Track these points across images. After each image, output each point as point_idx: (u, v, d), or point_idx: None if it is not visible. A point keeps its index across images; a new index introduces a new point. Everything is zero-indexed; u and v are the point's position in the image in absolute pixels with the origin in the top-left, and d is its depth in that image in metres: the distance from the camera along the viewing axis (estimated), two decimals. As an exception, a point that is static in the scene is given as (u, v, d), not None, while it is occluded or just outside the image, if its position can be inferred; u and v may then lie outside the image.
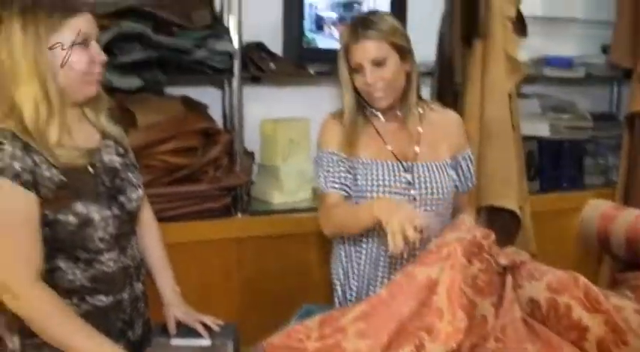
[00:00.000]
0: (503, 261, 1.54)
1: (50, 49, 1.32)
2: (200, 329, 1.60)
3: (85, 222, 1.38)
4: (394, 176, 1.74)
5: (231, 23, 2.46)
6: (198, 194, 2.37)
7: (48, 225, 1.35)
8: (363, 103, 1.78)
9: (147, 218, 1.67)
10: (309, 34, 2.62)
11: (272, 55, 2.61)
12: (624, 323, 1.39)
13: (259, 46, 2.59)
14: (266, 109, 2.73)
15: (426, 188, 1.75)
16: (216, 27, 2.46)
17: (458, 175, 1.85)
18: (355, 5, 2.66)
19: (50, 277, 1.38)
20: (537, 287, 1.54)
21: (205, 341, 1.58)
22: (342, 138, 1.75)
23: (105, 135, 1.51)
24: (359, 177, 1.74)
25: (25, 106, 1.32)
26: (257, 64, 2.53)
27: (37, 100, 1.32)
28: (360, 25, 1.70)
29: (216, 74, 2.44)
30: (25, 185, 1.30)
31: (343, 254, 1.83)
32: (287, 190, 2.64)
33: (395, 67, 1.70)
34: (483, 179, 2.68)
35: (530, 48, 3.06)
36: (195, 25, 2.41)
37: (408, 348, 1.33)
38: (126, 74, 2.21)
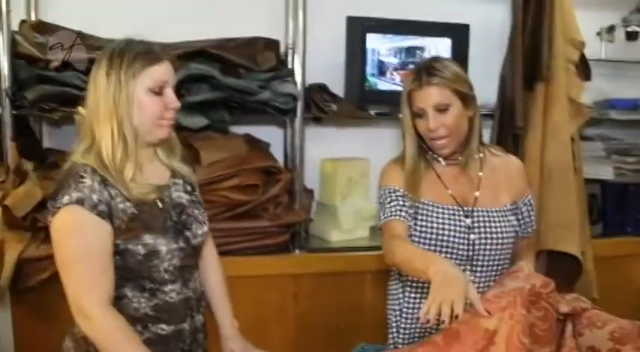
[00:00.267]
0: (564, 308, 1.52)
1: (128, 94, 1.43)
2: None
3: (152, 253, 1.47)
4: (454, 220, 1.74)
5: (296, 65, 2.54)
6: (258, 230, 2.44)
7: (118, 253, 1.44)
8: (424, 148, 1.80)
9: (210, 253, 1.74)
10: (371, 79, 2.68)
11: (334, 97, 2.68)
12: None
13: (322, 88, 2.67)
14: (326, 149, 2.80)
15: (485, 233, 1.74)
16: (281, 69, 2.56)
17: (518, 220, 1.84)
18: (417, 51, 2.70)
19: (117, 304, 1.46)
20: (599, 336, 1.51)
21: None
22: (404, 181, 1.77)
23: (174, 174, 1.60)
24: (420, 219, 1.75)
25: (102, 144, 1.44)
26: (319, 105, 2.60)
27: (114, 140, 1.43)
28: (423, 71, 1.72)
29: (279, 115, 2.52)
30: (101, 215, 1.40)
31: (399, 293, 1.84)
32: (345, 229, 2.68)
33: (457, 113, 1.72)
34: (544, 223, 2.64)
35: (595, 90, 3.04)
36: (260, 67, 2.52)
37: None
38: (192, 113, 2.32)
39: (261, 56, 2.54)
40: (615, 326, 1.49)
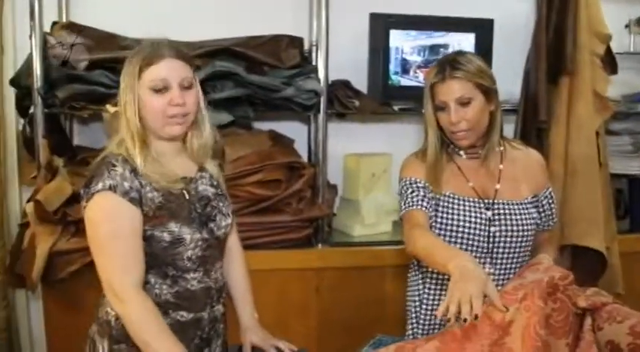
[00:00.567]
0: (583, 303, 1.51)
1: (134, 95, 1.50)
2: None
3: (177, 241, 1.52)
4: (475, 213, 1.75)
5: (319, 62, 2.57)
6: (281, 224, 2.48)
7: (145, 239, 1.50)
8: (446, 141, 1.81)
9: (234, 246, 1.79)
10: (394, 78, 2.68)
11: (356, 93, 2.70)
12: None
13: (344, 84, 2.69)
14: (350, 144, 2.82)
15: (506, 225, 1.75)
16: (305, 66, 2.59)
17: (539, 213, 1.84)
18: (441, 49, 2.68)
19: None
20: (618, 330, 1.49)
21: None
22: (425, 173, 1.78)
23: (202, 168, 1.65)
24: (440, 211, 1.76)
25: (124, 137, 1.52)
26: (341, 101, 2.62)
27: (129, 135, 1.51)
28: (447, 64, 1.74)
29: (302, 111, 2.55)
30: (133, 201, 1.47)
31: (419, 285, 1.86)
32: (367, 223, 2.70)
33: (479, 107, 1.73)
34: (568, 217, 2.63)
35: (623, 84, 2.99)
36: (284, 64, 2.55)
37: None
38: (217, 110, 2.36)
39: (285, 53, 2.57)
40: (636, 320, 1.48)
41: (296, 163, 2.53)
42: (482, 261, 1.73)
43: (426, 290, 1.83)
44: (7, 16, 2.52)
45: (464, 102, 1.71)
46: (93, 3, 2.63)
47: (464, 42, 2.69)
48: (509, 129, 2.75)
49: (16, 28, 2.53)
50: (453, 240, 1.74)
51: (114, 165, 1.48)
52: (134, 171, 1.49)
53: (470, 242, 1.74)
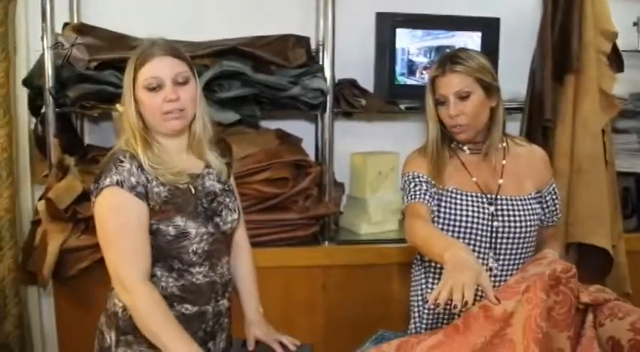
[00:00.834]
0: (585, 298, 1.53)
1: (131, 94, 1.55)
2: (277, 348, 1.71)
3: (182, 234, 1.56)
4: (478, 207, 1.77)
5: (326, 61, 2.59)
6: (288, 222, 2.50)
7: (151, 233, 1.54)
8: (448, 135, 1.82)
9: (242, 241, 1.82)
10: (400, 78, 2.69)
11: (363, 92, 2.72)
12: None
13: (351, 83, 2.71)
14: (357, 143, 2.84)
15: (509, 221, 1.76)
16: (312, 65, 2.61)
17: (542, 209, 1.85)
18: (447, 50, 2.67)
19: None
20: (619, 327, 1.51)
21: None
22: (427, 168, 1.80)
23: (209, 165, 1.68)
24: (443, 206, 1.78)
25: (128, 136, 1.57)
26: (348, 99, 2.64)
27: (130, 132, 1.56)
28: (448, 59, 1.76)
29: (309, 109, 2.57)
30: (139, 196, 1.52)
31: (422, 280, 1.87)
32: (374, 221, 2.72)
33: (478, 102, 1.74)
34: (574, 215, 2.63)
35: (631, 82, 2.98)
36: (291, 63, 2.57)
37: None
38: (224, 108, 2.39)
39: (292, 53, 2.59)
40: (636, 317, 1.49)
41: (303, 161, 2.56)
42: (485, 255, 1.75)
43: (429, 286, 1.85)
44: (20, 18, 2.57)
45: (463, 96, 1.73)
46: (104, 4, 2.67)
47: (470, 41, 2.69)
48: (515, 127, 2.76)
49: (28, 29, 2.58)
50: (456, 234, 1.76)
51: (121, 161, 1.53)
52: (141, 166, 1.54)
53: (473, 237, 1.75)
